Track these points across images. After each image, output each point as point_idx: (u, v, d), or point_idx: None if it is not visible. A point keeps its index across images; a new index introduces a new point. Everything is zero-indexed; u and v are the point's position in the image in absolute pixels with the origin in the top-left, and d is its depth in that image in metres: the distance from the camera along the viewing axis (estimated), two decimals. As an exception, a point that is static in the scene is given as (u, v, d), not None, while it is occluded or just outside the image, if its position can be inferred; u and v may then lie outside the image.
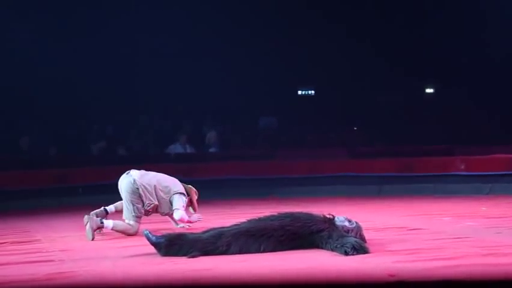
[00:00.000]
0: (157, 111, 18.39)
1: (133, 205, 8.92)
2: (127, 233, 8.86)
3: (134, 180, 8.96)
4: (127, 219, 8.93)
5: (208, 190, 14.61)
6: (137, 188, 8.95)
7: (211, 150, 17.19)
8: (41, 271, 6.46)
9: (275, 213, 7.28)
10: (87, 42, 17.33)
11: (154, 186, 9.02)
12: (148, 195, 8.98)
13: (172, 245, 6.93)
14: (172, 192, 9.08)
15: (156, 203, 9.01)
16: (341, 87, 18.73)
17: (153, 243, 7.04)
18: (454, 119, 17.75)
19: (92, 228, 8.62)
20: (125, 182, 9.01)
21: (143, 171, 9.19)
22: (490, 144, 15.30)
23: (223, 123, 18.27)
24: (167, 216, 9.41)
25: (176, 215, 9.06)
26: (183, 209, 9.07)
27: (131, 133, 17.73)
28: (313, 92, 20.26)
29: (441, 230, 8.36)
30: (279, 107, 18.71)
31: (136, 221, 8.92)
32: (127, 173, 9.12)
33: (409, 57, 18.43)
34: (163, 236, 7.06)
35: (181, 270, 6.21)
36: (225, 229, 7.11)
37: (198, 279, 5.78)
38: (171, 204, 9.05)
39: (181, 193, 9.12)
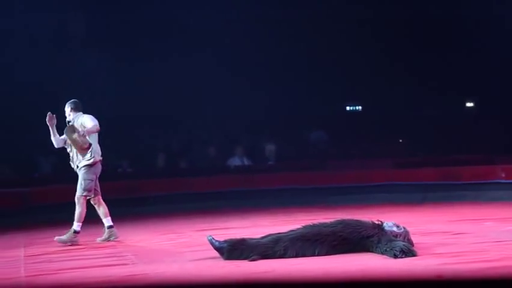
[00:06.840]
0: (216, 126, 18.49)
1: None
2: None
3: None
4: None
5: (266, 199, 14.75)
6: None
7: (270, 163, 17.20)
8: (116, 273, 6.57)
9: (327, 221, 7.27)
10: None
11: None
12: None
13: (234, 249, 6.97)
14: None
15: None
16: (386, 103, 18.65)
17: (216, 248, 7.08)
18: (493, 130, 17.44)
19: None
20: None
21: None
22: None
23: (277, 137, 18.28)
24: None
25: None
26: None
27: (193, 147, 17.84)
28: (360, 107, 20.22)
29: (484, 234, 8.24)
30: (329, 122, 18.71)
31: None
32: None
33: (451, 76, 18.27)
34: (225, 241, 7.10)
35: (244, 272, 6.24)
36: (282, 234, 7.12)
37: (259, 280, 5.80)
38: None
39: None
